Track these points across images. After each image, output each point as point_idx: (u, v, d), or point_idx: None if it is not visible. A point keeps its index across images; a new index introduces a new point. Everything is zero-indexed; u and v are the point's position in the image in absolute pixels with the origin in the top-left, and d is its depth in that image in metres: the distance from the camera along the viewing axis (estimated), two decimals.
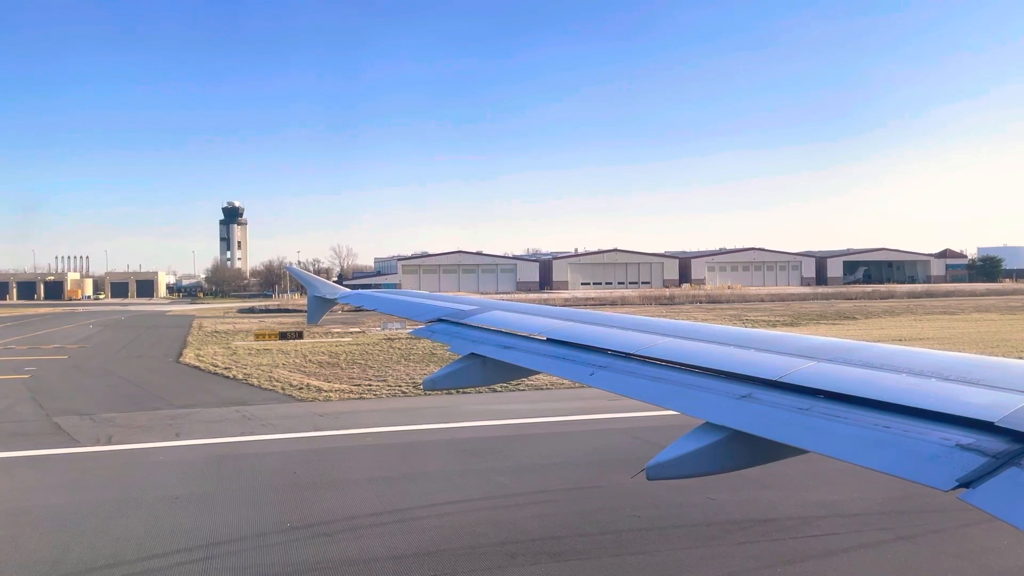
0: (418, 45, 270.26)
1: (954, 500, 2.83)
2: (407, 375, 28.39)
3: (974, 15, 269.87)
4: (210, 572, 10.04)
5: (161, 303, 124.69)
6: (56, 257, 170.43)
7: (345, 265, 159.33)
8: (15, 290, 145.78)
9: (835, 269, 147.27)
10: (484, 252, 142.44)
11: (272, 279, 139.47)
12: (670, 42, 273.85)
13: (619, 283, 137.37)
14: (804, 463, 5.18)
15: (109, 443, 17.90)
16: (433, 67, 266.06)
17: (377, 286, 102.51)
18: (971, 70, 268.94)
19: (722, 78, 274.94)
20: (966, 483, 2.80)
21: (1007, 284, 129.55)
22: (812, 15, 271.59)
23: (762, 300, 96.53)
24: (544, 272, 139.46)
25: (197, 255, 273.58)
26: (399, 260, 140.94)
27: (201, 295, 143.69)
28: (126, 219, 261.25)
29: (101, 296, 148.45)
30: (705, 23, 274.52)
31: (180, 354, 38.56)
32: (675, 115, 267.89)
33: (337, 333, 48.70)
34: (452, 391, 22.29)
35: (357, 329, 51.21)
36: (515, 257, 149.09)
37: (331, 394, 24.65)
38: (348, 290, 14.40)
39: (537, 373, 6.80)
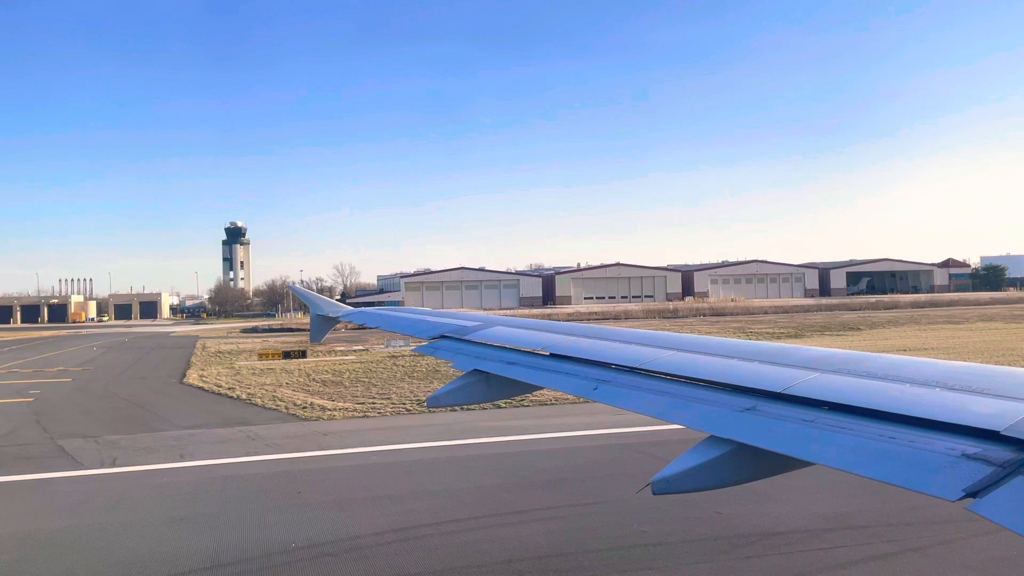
0: (416, 62, 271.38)
1: (962, 510, 2.81)
2: (411, 392, 28.34)
3: (975, 22, 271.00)
4: None
5: (164, 324, 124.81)
6: (60, 280, 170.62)
7: (348, 283, 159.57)
8: (19, 313, 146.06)
9: (838, 280, 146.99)
10: (487, 268, 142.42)
11: (275, 298, 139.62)
12: (668, 55, 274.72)
13: (622, 297, 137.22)
14: (811, 475, 5.15)
15: (113, 465, 17.88)
16: (431, 84, 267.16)
17: (380, 304, 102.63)
18: (971, 79, 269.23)
19: (721, 90, 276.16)
20: (973, 493, 2.78)
21: (1011, 293, 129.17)
22: (811, 26, 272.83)
23: (766, 312, 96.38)
24: (547, 287, 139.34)
25: (200, 276, 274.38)
26: (402, 277, 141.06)
27: (204, 315, 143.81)
28: (129, 241, 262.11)
29: (105, 318, 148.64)
30: (703, 35, 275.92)
31: (184, 375, 38.55)
32: (675, 128, 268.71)
33: (341, 351, 48.68)
34: (456, 408, 22.27)
35: (360, 347, 51.18)
36: (518, 273, 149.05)
37: (335, 413, 24.60)
38: (351, 308, 14.39)
39: (541, 388, 6.78)
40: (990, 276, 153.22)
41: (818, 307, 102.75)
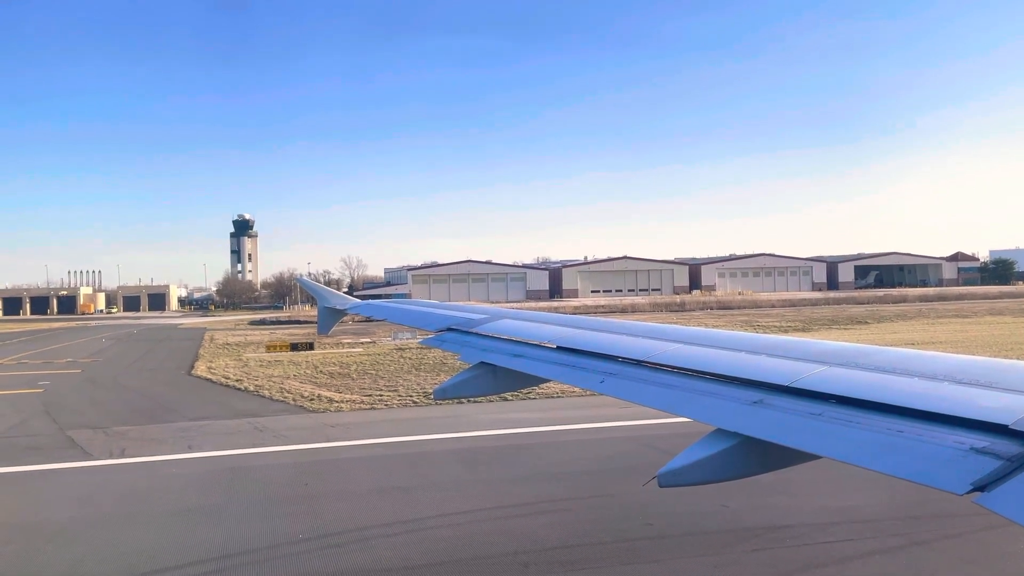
0: (426, 56, 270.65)
1: (969, 504, 2.80)
2: (418, 385, 28.39)
3: (983, 14, 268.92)
4: None
5: (173, 316, 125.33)
6: (68, 272, 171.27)
7: (355, 276, 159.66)
8: (28, 305, 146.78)
9: (846, 274, 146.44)
10: (493, 261, 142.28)
11: (283, 291, 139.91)
12: (677, 49, 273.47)
13: (629, 290, 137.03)
14: (817, 469, 5.14)
15: (122, 456, 17.97)
16: (438, 78, 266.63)
17: (387, 296, 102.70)
18: (979, 71, 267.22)
19: (729, 83, 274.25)
20: (981, 487, 2.78)
21: (1020, 286, 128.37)
22: (818, 19, 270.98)
23: (773, 306, 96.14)
24: (554, 280, 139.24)
25: (208, 268, 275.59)
26: (409, 270, 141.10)
27: (212, 308, 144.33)
28: (137, 233, 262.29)
29: (114, 310, 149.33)
30: (712, 30, 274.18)
31: (192, 367, 38.71)
32: (683, 121, 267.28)
33: (348, 344, 48.78)
34: (463, 400, 22.29)
35: (367, 339, 51.28)
36: (524, 266, 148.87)
37: (342, 405, 24.67)
38: (358, 301, 14.44)
39: (547, 381, 6.78)
40: (999, 270, 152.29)
41: (826, 301, 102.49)
